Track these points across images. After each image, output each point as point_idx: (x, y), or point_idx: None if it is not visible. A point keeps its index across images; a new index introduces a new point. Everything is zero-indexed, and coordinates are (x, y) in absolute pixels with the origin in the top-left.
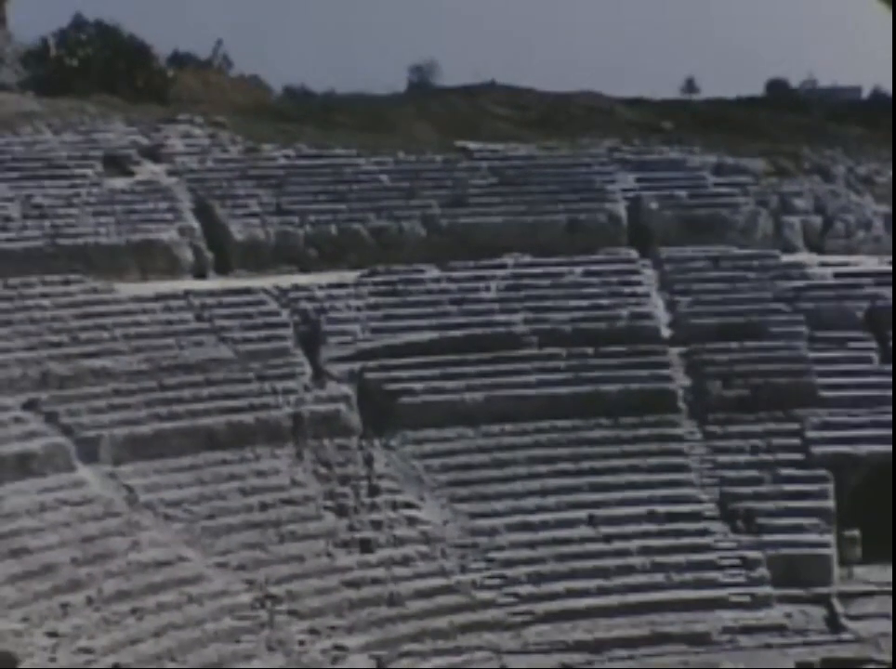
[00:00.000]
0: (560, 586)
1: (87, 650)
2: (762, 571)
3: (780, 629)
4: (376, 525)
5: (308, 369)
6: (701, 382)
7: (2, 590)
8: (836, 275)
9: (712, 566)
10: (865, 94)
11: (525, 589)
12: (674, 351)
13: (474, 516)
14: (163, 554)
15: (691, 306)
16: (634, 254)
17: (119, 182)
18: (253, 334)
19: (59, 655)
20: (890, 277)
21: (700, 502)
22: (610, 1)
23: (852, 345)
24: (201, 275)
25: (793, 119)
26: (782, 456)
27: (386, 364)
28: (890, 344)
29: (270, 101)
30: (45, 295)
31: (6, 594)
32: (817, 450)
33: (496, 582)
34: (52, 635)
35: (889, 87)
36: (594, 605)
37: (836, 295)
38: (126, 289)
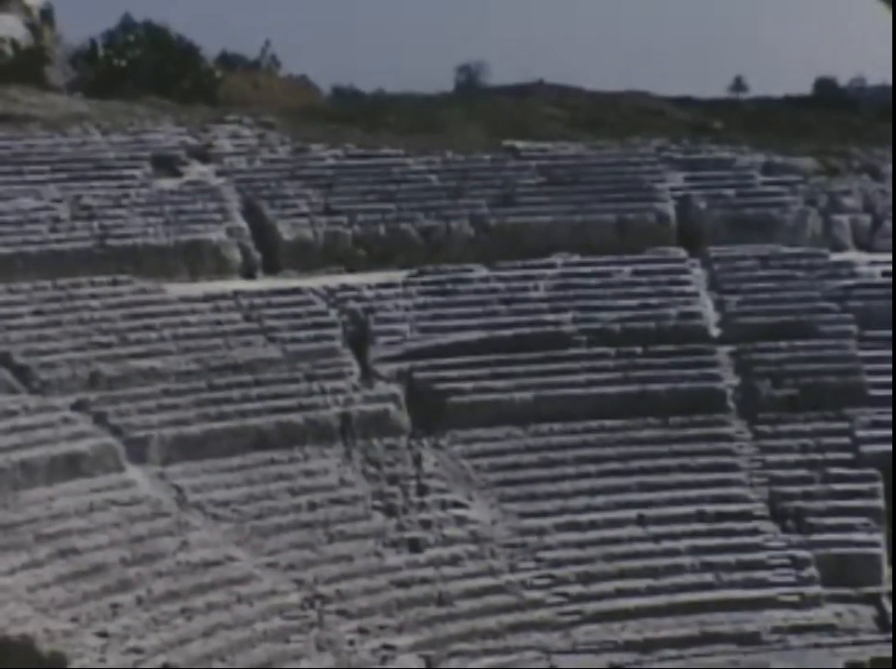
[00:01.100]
0: (609, 586)
1: (137, 650)
2: (812, 571)
3: (830, 629)
4: (425, 525)
5: (356, 369)
6: (750, 381)
7: (51, 590)
8: (885, 274)
9: (761, 565)
10: None
11: (574, 589)
12: (723, 351)
13: (523, 515)
14: (212, 554)
15: (740, 305)
16: (683, 253)
17: (167, 183)
18: (301, 334)
19: (109, 655)
20: None
21: (749, 501)
22: (657, 4)
23: None
24: (249, 275)
25: (842, 118)
26: (831, 455)
27: (435, 364)
28: None
29: (318, 101)
30: (93, 296)
31: (55, 594)
32: (867, 449)
33: (545, 581)
34: (102, 635)
35: None
36: (643, 605)
37: (885, 293)
38: (175, 289)
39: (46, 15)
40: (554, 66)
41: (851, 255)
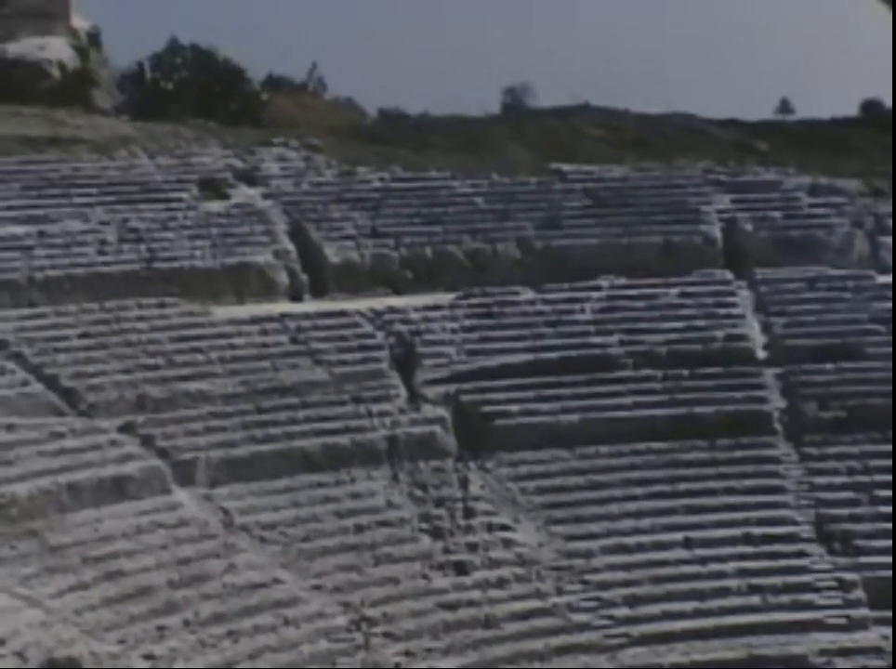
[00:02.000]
0: (655, 609)
1: None
2: (859, 593)
3: (876, 651)
4: (472, 547)
5: (403, 391)
6: (797, 403)
7: (98, 613)
8: None
9: (808, 588)
10: None
11: (621, 611)
12: (769, 373)
13: (570, 538)
14: (258, 576)
15: (787, 327)
16: (729, 275)
17: (214, 205)
18: (348, 357)
19: None
20: None
21: (796, 523)
22: (702, 24)
23: None
24: (296, 298)
25: (888, 139)
26: (878, 477)
27: (481, 386)
28: None
29: (364, 124)
30: (141, 319)
31: (102, 616)
32: None
33: (592, 604)
34: (148, 657)
35: None
36: (690, 627)
37: None
38: (222, 312)
39: (93, 38)
40: (600, 88)
41: None
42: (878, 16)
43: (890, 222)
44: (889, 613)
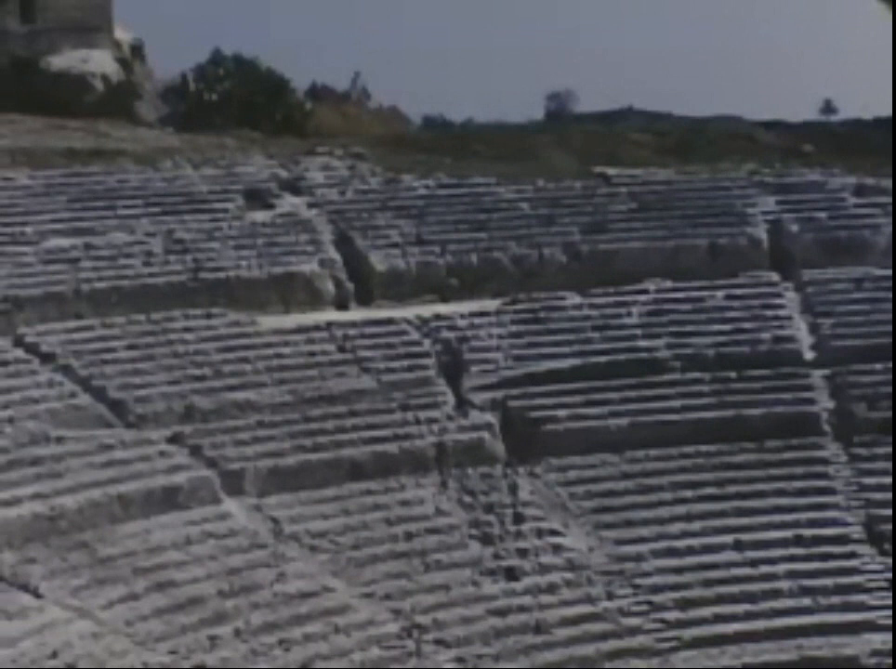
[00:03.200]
0: (706, 612)
1: None
2: None
3: None
4: (522, 553)
5: (450, 398)
6: (845, 404)
7: (149, 623)
8: None
9: (859, 589)
10: None
11: (672, 615)
12: (817, 374)
13: (620, 542)
14: (309, 585)
15: (834, 328)
16: (776, 277)
17: (260, 215)
18: (395, 365)
19: None
20: None
21: (847, 525)
22: (746, 25)
23: None
24: (342, 306)
25: None
26: None
27: (529, 392)
28: None
29: (408, 132)
30: (187, 330)
31: (153, 627)
32: None
33: (643, 608)
34: (200, 667)
35: None
36: (741, 630)
37: None
38: (268, 322)
39: (137, 50)
40: (643, 92)
41: None
42: None
43: None
44: None
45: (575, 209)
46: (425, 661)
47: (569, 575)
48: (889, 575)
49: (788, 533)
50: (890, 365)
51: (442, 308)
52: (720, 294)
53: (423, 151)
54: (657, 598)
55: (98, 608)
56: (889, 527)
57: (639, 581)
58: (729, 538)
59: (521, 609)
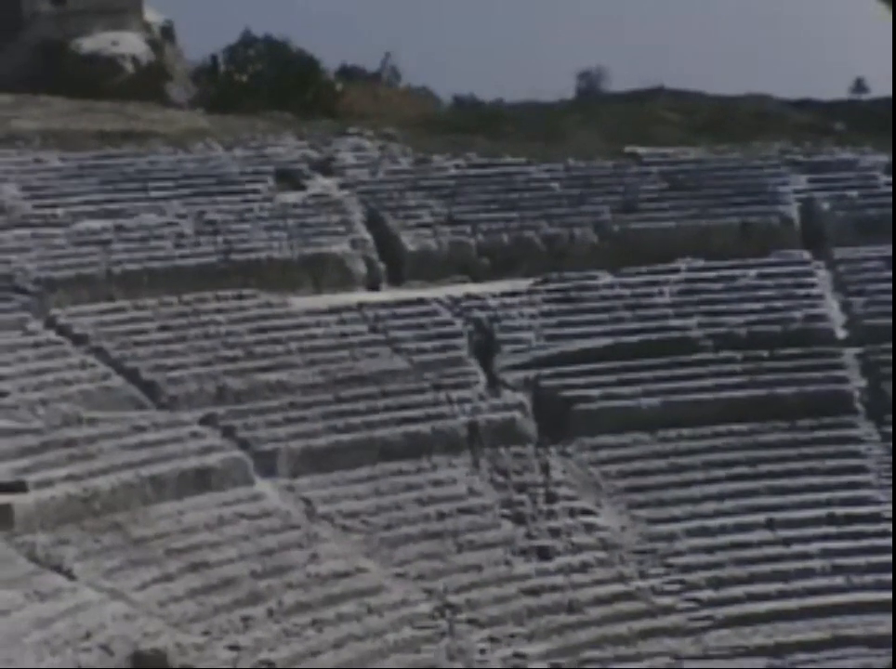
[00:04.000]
0: (739, 591)
1: (268, 663)
2: None
3: None
4: (554, 532)
5: (482, 378)
6: (877, 383)
7: (183, 604)
8: None
9: (892, 568)
10: None
11: (705, 594)
12: (850, 352)
13: (652, 521)
14: (341, 565)
15: (866, 306)
16: (807, 255)
17: (291, 196)
18: (427, 345)
19: (241, 668)
20: None
21: (879, 503)
22: (777, 4)
23: None
24: (374, 287)
25: None
26: None
27: (561, 371)
28: None
29: (439, 112)
30: (219, 311)
31: (186, 608)
32: None
33: (675, 587)
34: (233, 648)
35: None
36: (774, 609)
37: None
38: (300, 302)
39: (167, 32)
40: (674, 71)
41: None
42: None
43: None
44: None
45: (606, 188)
46: (458, 640)
47: (601, 554)
48: None
49: (821, 512)
50: None
51: (474, 288)
52: (752, 272)
53: (454, 131)
54: (690, 577)
55: (131, 589)
56: None
57: (671, 560)
58: (761, 517)
59: (554, 588)
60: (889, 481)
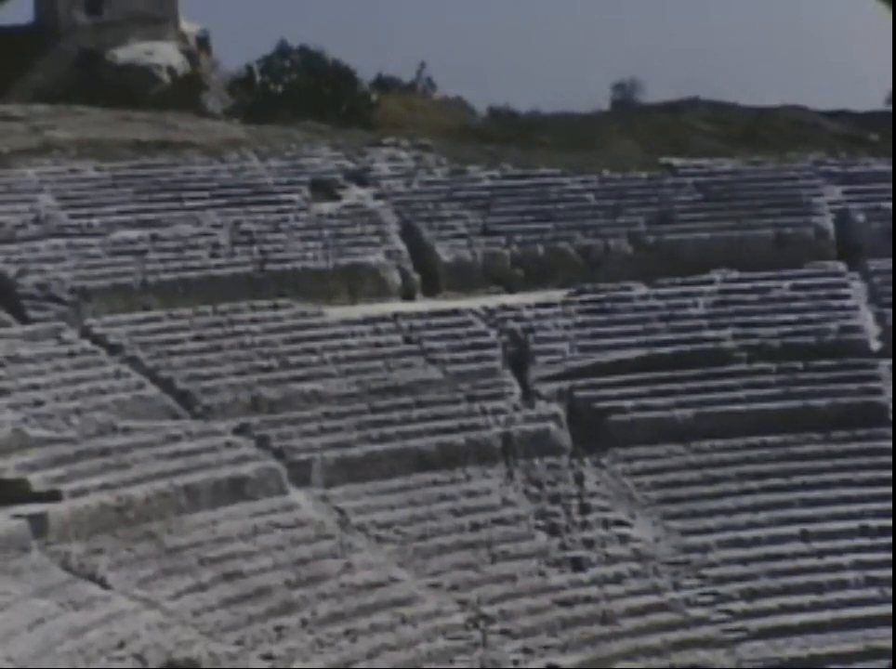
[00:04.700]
0: (773, 602)
1: None
2: None
3: None
4: (588, 543)
5: (517, 388)
6: None
7: (216, 614)
8: None
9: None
10: None
11: (738, 606)
12: (884, 364)
13: (686, 533)
14: (375, 575)
15: None
16: (842, 267)
17: (326, 207)
18: (461, 355)
19: None
20: None
21: None
22: (809, 16)
23: None
24: (409, 297)
25: None
26: None
27: (595, 382)
28: None
29: (474, 123)
30: (254, 321)
31: (220, 617)
32: None
33: (709, 599)
34: (267, 657)
35: None
36: (807, 620)
37: None
38: (335, 312)
39: (203, 42)
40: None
41: None
42: None
43: None
44: None
45: (641, 199)
46: (491, 651)
47: (635, 566)
48: None
49: (854, 524)
50: None
51: (508, 299)
52: (786, 284)
53: (489, 142)
54: (723, 589)
55: (165, 598)
56: None
57: (705, 571)
58: (795, 529)
59: (588, 599)
60: None
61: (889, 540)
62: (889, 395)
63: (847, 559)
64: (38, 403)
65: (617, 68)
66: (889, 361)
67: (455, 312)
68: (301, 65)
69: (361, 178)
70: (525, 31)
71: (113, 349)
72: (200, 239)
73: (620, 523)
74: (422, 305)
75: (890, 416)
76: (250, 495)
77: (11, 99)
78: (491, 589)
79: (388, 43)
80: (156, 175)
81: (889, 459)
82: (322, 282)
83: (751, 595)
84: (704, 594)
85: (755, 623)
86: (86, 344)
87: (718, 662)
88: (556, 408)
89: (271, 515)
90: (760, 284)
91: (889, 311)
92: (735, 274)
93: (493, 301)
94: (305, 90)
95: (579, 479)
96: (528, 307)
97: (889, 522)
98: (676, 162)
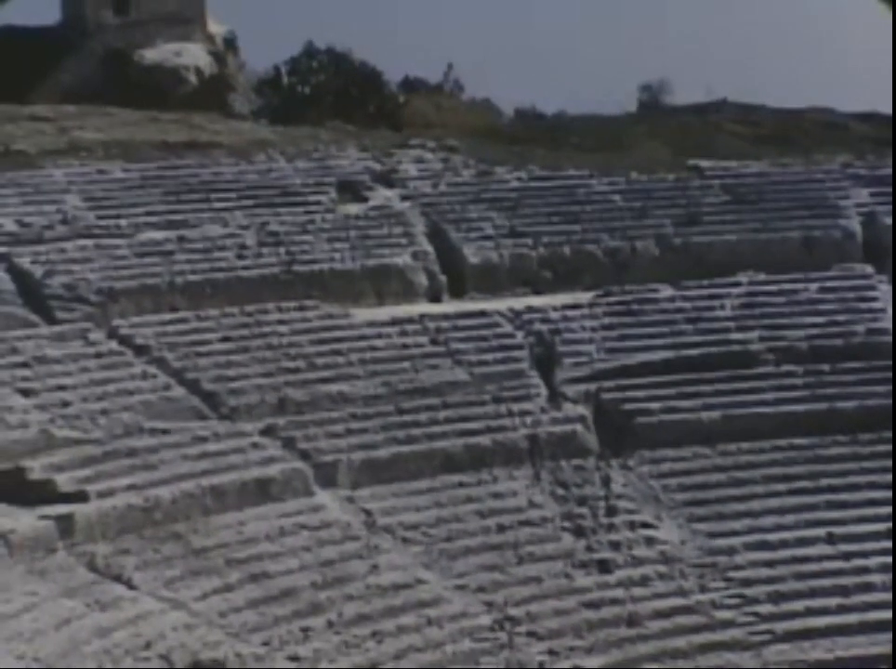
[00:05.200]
0: (799, 605)
1: None
2: None
3: None
4: (614, 545)
5: (543, 390)
6: None
7: (243, 615)
8: None
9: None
10: None
11: (765, 608)
12: None
13: (712, 535)
14: (401, 577)
15: None
16: (869, 269)
17: (353, 208)
18: (488, 357)
19: None
20: None
21: None
22: (837, 17)
23: None
24: (435, 299)
25: None
26: None
27: (621, 384)
28: None
29: (501, 124)
30: (281, 322)
31: (247, 618)
32: None
33: (735, 601)
34: (293, 659)
35: None
36: (834, 623)
37: None
38: (362, 314)
39: (230, 43)
40: (737, 83)
41: None
42: None
43: None
44: None
45: (668, 201)
46: (517, 653)
47: (661, 568)
48: None
49: (881, 527)
50: None
51: (535, 301)
52: (814, 286)
53: (516, 144)
54: (749, 591)
55: (191, 599)
56: None
57: (731, 574)
58: (821, 531)
59: (614, 601)
60: None
61: None
62: None
63: (873, 562)
64: (65, 404)
65: (645, 69)
66: None
67: (482, 314)
68: (328, 66)
69: (388, 180)
70: (552, 33)
71: (140, 350)
72: (227, 240)
73: (646, 525)
74: (449, 306)
75: None
76: (277, 496)
77: (39, 100)
78: (517, 591)
79: (415, 44)
80: (183, 176)
81: None
82: (348, 283)
83: (777, 597)
84: (730, 596)
85: (781, 626)
86: (113, 345)
87: (743, 665)
88: (582, 410)
89: (298, 516)
90: (787, 286)
91: None
92: (762, 276)
93: (519, 303)
94: (332, 91)
95: (605, 481)
96: (555, 308)
97: None
98: (703, 164)
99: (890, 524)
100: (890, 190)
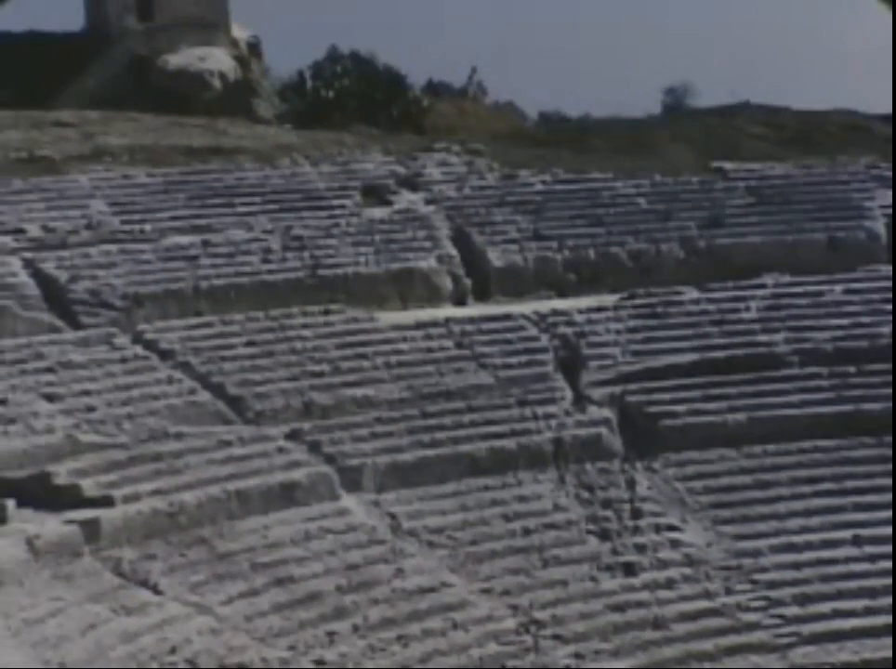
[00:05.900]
0: (825, 607)
1: None
2: None
3: None
4: (640, 548)
5: (568, 393)
6: None
7: (268, 619)
8: None
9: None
10: None
11: (790, 610)
12: None
13: (738, 537)
14: (427, 580)
15: None
16: None
17: (377, 212)
18: (513, 360)
19: None
20: None
21: None
22: (860, 18)
23: None
24: (460, 302)
25: None
26: None
27: (647, 387)
28: None
29: (525, 127)
30: (306, 326)
31: (272, 622)
32: None
33: (761, 603)
34: (319, 663)
35: None
36: (860, 625)
37: None
38: (387, 318)
39: (254, 48)
40: (760, 85)
41: None
42: None
43: None
44: None
45: (693, 204)
46: (543, 656)
47: (687, 570)
48: None
49: None
50: None
51: (560, 304)
52: (839, 288)
53: (540, 147)
54: (775, 594)
55: (217, 603)
56: None
57: (757, 576)
58: (847, 533)
59: (639, 604)
60: None
61: None
62: None
63: None
64: (90, 409)
65: (669, 72)
66: None
67: (507, 317)
68: (352, 70)
69: (412, 184)
70: (576, 35)
71: (165, 355)
72: (252, 244)
73: (672, 528)
74: (473, 310)
75: None
76: (302, 501)
77: (63, 106)
78: (542, 594)
79: (438, 48)
80: (208, 180)
81: None
82: (373, 287)
83: (803, 599)
84: (756, 598)
85: (807, 628)
86: (138, 349)
87: (769, 667)
88: (607, 413)
89: (323, 520)
90: (812, 288)
91: None
92: (787, 278)
93: (544, 306)
94: (356, 95)
95: (631, 484)
96: (579, 311)
97: None
98: (727, 166)
99: None
100: None
